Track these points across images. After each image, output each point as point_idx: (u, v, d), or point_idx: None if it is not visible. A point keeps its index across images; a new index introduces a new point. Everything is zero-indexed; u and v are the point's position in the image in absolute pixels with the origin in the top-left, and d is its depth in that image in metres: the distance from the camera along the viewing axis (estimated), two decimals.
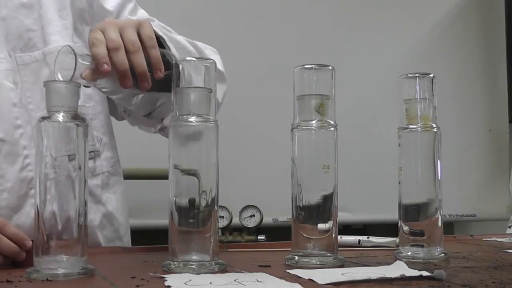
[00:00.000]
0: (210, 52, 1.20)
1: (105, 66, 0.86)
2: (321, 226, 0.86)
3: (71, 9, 1.13)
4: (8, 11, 1.07)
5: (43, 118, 0.77)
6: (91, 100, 1.16)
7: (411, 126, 0.94)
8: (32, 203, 1.02)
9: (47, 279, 0.73)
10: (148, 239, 1.35)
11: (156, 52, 0.91)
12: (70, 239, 0.76)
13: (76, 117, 0.78)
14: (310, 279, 0.71)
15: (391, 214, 1.06)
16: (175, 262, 0.78)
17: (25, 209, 1.05)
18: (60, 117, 0.76)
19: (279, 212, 2.36)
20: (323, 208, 0.86)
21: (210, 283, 0.67)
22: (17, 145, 1.05)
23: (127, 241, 1.26)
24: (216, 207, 0.80)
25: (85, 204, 0.78)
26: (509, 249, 1.05)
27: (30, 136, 1.05)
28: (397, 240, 1.00)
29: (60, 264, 0.75)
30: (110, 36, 0.89)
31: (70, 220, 0.76)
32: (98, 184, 1.17)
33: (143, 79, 0.90)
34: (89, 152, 1.08)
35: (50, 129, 0.76)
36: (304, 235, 0.86)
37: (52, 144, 0.76)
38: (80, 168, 0.77)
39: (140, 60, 0.89)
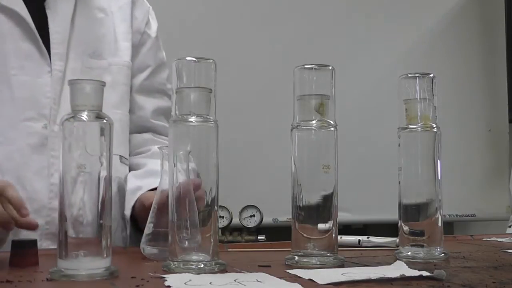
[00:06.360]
0: None
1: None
2: (321, 226, 0.86)
3: (132, 33, 1.28)
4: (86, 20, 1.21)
5: (69, 117, 0.74)
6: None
7: (411, 126, 0.94)
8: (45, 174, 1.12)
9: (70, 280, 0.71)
10: None
11: None
12: (92, 239, 0.73)
13: (101, 116, 0.75)
14: (310, 279, 0.71)
15: (391, 214, 1.06)
16: (175, 262, 0.78)
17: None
18: (85, 116, 0.74)
19: (279, 212, 2.36)
20: (323, 208, 0.86)
21: (210, 283, 0.67)
22: None
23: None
24: (216, 207, 0.80)
25: (110, 203, 0.75)
26: (509, 249, 1.05)
27: None
28: (397, 240, 0.99)
29: (83, 265, 0.72)
30: None
31: (94, 220, 0.74)
32: None
33: None
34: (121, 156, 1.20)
35: (75, 129, 0.74)
36: (304, 235, 0.86)
37: (78, 144, 0.74)
38: (105, 166, 0.74)
39: None
